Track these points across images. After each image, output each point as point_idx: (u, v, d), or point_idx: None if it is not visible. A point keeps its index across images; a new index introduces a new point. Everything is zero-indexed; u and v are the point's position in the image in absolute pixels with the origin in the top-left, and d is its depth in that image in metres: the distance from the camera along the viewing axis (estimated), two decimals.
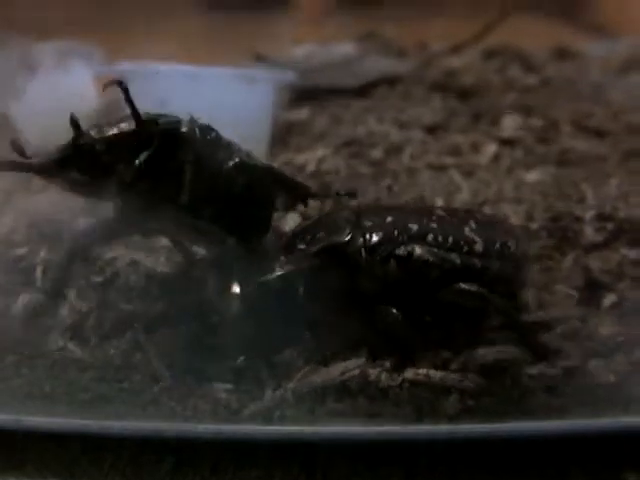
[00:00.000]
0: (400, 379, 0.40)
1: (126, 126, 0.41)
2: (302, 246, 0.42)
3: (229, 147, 0.45)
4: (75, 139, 0.40)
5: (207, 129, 0.44)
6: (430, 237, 0.42)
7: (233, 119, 0.62)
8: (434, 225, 0.43)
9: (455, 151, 0.67)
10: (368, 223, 0.43)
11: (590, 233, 0.52)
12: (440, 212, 0.45)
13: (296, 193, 0.48)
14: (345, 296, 0.42)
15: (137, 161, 0.40)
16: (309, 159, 0.63)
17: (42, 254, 0.51)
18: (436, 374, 0.40)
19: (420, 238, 0.42)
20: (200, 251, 0.48)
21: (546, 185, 0.60)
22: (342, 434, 0.41)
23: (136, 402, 0.42)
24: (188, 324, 0.43)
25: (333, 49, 0.94)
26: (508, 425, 0.40)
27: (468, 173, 0.63)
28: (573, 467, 0.41)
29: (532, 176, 0.62)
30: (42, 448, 0.43)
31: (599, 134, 0.68)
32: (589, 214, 0.53)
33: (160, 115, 0.42)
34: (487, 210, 0.55)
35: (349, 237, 0.42)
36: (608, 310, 0.46)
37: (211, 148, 0.44)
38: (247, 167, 0.45)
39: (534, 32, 1.10)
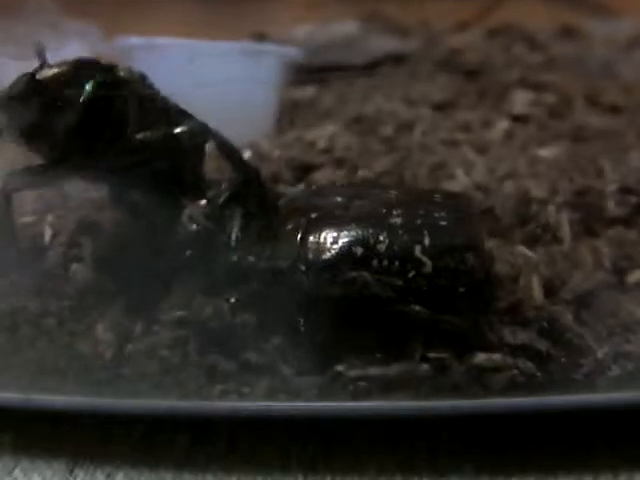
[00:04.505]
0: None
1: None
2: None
3: (165, 98, 0.46)
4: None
5: (145, 77, 0.45)
6: (375, 263, 0.41)
7: (239, 93, 0.61)
8: (381, 246, 0.41)
9: (466, 128, 0.66)
10: (312, 245, 0.42)
11: (612, 207, 0.51)
12: (395, 218, 0.43)
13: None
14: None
15: (81, 99, 0.41)
16: (319, 136, 0.62)
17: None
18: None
19: (365, 264, 0.41)
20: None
21: (563, 161, 0.58)
22: (361, 409, 0.40)
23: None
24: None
25: (335, 28, 0.93)
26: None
27: (481, 149, 0.61)
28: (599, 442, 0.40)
29: (547, 152, 0.61)
30: (52, 426, 0.42)
31: (613, 110, 0.68)
32: (611, 187, 0.52)
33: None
34: (508, 187, 0.54)
35: (292, 263, 0.42)
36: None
37: (152, 94, 0.46)
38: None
39: (534, 11, 1.09)
